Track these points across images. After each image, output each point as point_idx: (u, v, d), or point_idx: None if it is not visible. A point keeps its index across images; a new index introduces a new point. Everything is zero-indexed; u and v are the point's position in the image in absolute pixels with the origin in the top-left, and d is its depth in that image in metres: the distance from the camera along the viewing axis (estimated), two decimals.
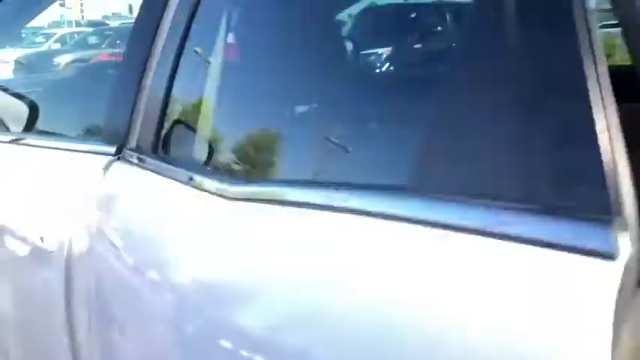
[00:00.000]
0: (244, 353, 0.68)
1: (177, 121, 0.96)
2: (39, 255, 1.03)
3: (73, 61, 9.15)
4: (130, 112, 0.98)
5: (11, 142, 1.31)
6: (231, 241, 0.77)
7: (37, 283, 1.07)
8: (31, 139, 1.22)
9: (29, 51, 10.35)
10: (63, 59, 9.41)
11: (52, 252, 1.00)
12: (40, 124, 1.24)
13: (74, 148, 1.05)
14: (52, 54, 10.41)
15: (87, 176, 0.99)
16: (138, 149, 0.98)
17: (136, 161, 0.96)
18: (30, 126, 1.38)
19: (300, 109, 1.04)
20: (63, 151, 1.06)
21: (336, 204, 0.64)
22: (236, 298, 0.73)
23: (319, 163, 0.90)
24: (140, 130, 0.98)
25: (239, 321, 0.70)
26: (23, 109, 1.51)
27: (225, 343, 0.72)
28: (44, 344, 1.09)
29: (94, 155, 1.01)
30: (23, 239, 1.06)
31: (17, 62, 9.08)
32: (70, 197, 1.00)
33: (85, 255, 0.96)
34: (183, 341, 0.81)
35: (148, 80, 0.98)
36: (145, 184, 0.95)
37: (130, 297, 0.90)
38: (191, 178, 0.84)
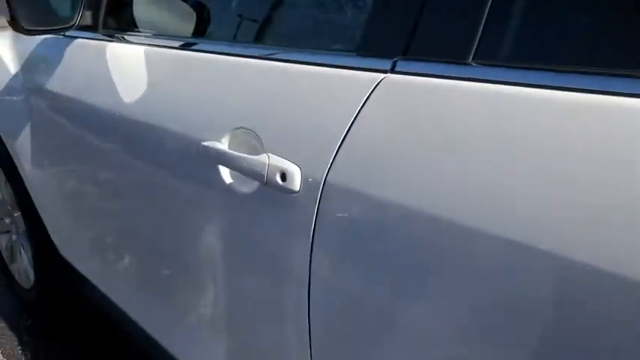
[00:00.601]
0: None
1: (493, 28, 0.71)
2: (274, 195, 0.83)
3: None
4: (413, 21, 0.74)
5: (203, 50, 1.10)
6: None
7: (265, 227, 0.88)
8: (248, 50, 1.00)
9: None
10: None
11: (296, 192, 0.80)
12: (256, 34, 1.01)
13: (330, 63, 0.82)
14: None
15: (351, 97, 0.75)
16: (419, 62, 0.74)
17: (416, 77, 0.73)
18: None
19: None
20: (310, 67, 0.83)
21: None
22: None
23: None
24: (423, 40, 0.75)
25: None
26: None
27: None
28: (271, 295, 0.92)
29: (358, 72, 0.77)
30: (251, 174, 0.86)
31: None
32: (329, 124, 0.76)
33: (348, 197, 0.75)
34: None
35: None
36: (429, 103, 0.71)
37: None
38: None
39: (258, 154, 0.85)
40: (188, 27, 1.34)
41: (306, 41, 0.98)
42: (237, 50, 0.99)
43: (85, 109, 1.34)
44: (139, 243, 1.32)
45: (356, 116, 0.74)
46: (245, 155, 0.86)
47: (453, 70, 0.69)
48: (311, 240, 0.78)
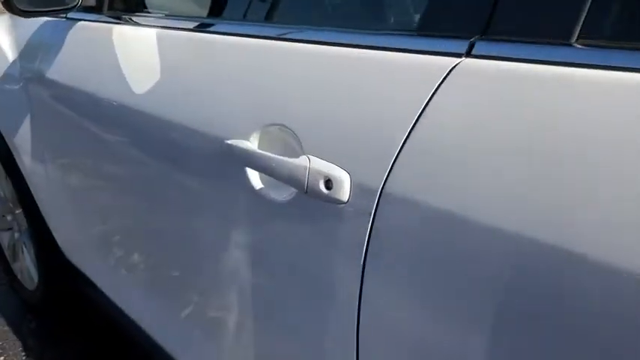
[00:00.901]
0: None
1: None
2: (316, 205, 0.68)
3: None
4: None
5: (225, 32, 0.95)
6: None
7: (303, 243, 0.74)
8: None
9: None
10: None
11: (344, 203, 0.66)
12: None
13: (389, 46, 0.66)
14: None
15: (417, 88, 0.60)
16: (503, 44, 0.59)
17: (499, 62, 0.57)
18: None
19: None
20: (362, 51, 0.67)
21: None
22: None
23: None
24: (508, 15, 0.60)
25: None
26: None
27: None
28: (310, 322, 0.78)
29: (425, 56, 0.62)
30: (287, 180, 0.72)
31: None
32: (388, 120, 0.62)
33: (411, 212, 0.60)
34: None
35: None
36: (517, 96, 0.55)
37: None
38: None
39: (295, 156, 0.70)
40: (204, 5, 1.19)
41: (357, 19, 0.82)
42: (267, 31, 0.83)
43: (89, 99, 1.20)
44: (148, 247, 1.19)
45: (422, 111, 0.59)
46: (279, 157, 0.72)
47: (549, 52, 0.55)
48: (362, 262, 0.64)
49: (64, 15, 1.34)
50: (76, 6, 1.18)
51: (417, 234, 0.59)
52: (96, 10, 1.27)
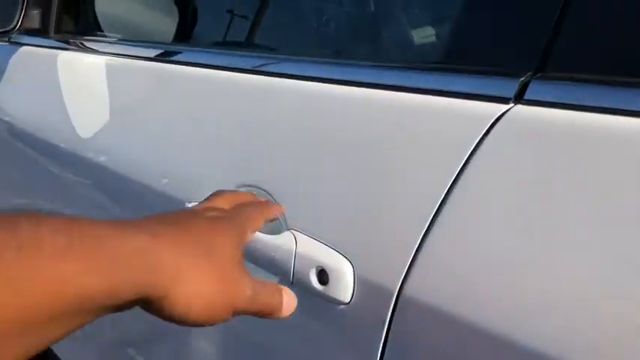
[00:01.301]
0: None
1: None
2: (305, 303, 0.50)
3: None
4: (555, 16, 0.42)
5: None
6: None
7: (284, 348, 0.56)
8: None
9: None
10: None
11: (346, 304, 0.48)
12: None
13: (412, 86, 0.47)
14: None
15: (451, 144, 0.43)
16: (566, 84, 0.42)
17: (563, 111, 0.41)
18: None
19: None
20: (374, 91, 0.48)
21: None
22: None
23: None
24: (573, 46, 0.43)
25: None
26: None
27: None
28: None
29: (462, 101, 0.44)
30: (265, 264, 0.53)
31: None
32: (409, 189, 0.44)
33: (444, 322, 0.41)
34: None
35: None
36: (590, 155, 0.38)
37: None
38: None
39: (276, 231, 0.52)
40: (167, 29, 1.02)
41: (366, 50, 0.62)
42: (244, 62, 0.64)
43: (32, 140, 1.01)
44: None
45: (457, 178, 0.42)
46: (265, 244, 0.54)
47: (634, 98, 0.38)
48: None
49: (7, 38, 1.16)
50: (13, 29, 0.99)
51: (454, 355, 0.42)
52: (42, 32, 1.08)
